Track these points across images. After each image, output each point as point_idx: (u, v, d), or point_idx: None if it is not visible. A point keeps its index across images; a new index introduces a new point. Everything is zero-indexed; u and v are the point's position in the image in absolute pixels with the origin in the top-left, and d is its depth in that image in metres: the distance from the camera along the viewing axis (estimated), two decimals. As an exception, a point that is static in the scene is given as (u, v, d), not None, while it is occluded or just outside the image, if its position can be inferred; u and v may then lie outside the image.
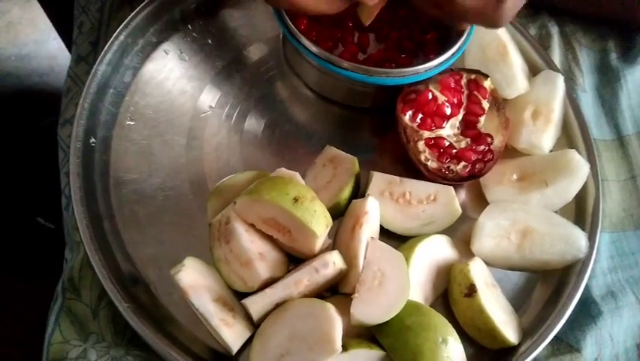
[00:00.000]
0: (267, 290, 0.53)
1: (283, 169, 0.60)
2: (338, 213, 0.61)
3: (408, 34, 0.69)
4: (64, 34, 1.29)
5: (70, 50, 1.29)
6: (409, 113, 0.64)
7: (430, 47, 0.69)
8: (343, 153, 0.64)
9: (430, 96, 0.64)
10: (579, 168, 0.63)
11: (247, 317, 0.54)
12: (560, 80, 0.70)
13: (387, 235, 0.62)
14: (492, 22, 0.54)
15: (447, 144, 0.63)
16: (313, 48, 0.61)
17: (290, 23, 0.62)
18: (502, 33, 0.72)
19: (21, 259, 1.34)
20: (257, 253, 0.55)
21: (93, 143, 0.64)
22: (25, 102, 1.60)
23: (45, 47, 1.72)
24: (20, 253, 1.34)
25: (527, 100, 0.69)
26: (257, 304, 0.53)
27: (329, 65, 0.61)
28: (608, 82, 0.77)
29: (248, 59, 0.73)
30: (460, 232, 0.63)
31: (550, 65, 0.74)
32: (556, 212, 0.64)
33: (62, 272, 0.62)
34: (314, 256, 0.56)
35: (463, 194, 0.66)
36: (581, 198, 0.66)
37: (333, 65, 0.61)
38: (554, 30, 0.79)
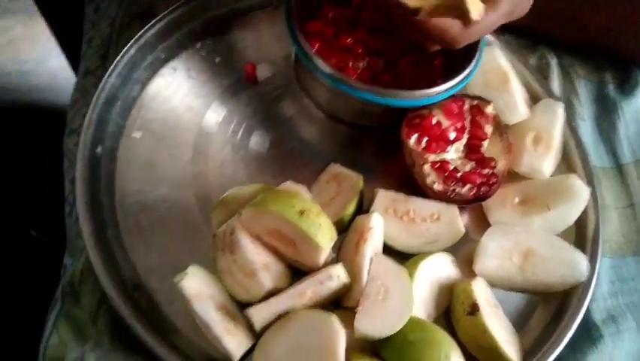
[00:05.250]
0: (271, 300, 0.53)
1: (289, 183, 0.60)
2: (341, 229, 0.61)
3: (416, 59, 0.71)
4: (67, 50, 1.31)
5: (72, 65, 1.31)
6: (414, 136, 0.64)
7: (437, 73, 0.70)
8: (347, 170, 0.65)
9: (435, 121, 0.65)
10: (580, 193, 0.64)
11: (249, 326, 0.54)
12: (560, 109, 0.72)
13: (389, 252, 0.61)
14: (451, 44, 0.55)
15: (452, 167, 0.64)
16: (327, 69, 0.62)
17: (304, 44, 0.63)
18: (503, 62, 0.74)
19: (15, 273, 1.32)
20: (261, 264, 0.55)
21: (99, 152, 0.64)
22: (24, 118, 1.60)
23: (45, 65, 1.73)
24: (13, 267, 1.32)
25: (528, 126, 0.70)
26: (260, 314, 0.52)
27: (343, 86, 0.62)
28: (605, 112, 0.79)
29: (255, 78, 0.74)
30: (463, 252, 0.63)
31: (550, 94, 0.76)
32: (557, 236, 0.64)
33: (60, 279, 0.61)
34: (318, 270, 0.55)
35: (465, 215, 0.67)
36: (581, 222, 0.66)
37: (347, 86, 0.62)
38: (553, 61, 0.82)
